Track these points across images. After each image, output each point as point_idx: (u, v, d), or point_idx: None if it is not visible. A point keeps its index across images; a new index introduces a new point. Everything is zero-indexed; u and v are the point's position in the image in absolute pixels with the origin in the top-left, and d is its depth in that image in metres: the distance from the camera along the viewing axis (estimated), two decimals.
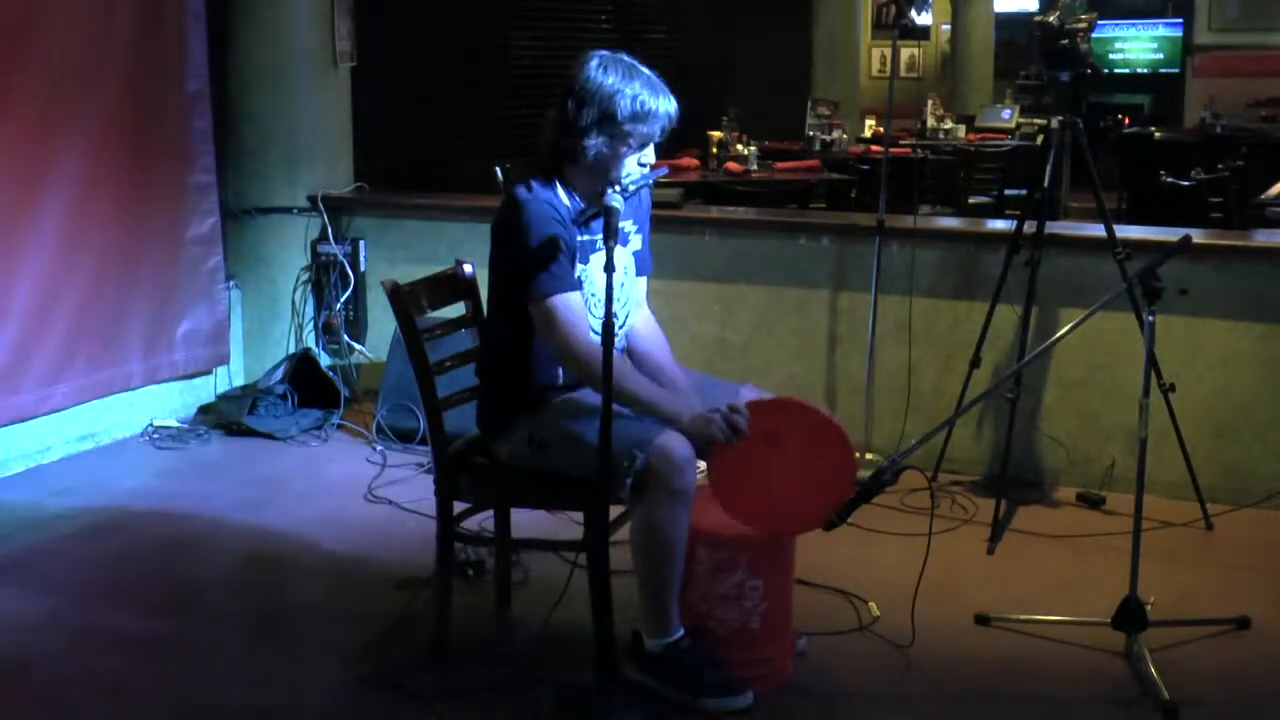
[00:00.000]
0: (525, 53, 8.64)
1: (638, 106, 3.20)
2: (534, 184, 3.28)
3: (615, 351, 3.07)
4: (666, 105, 3.25)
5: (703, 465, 3.29)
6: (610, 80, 3.21)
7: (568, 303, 3.23)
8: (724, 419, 3.16)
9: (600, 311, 3.10)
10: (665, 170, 3.47)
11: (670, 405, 3.23)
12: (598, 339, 3.11)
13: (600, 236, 3.26)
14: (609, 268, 3.00)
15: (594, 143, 3.22)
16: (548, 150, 3.31)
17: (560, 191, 3.29)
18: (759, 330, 5.33)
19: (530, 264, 3.22)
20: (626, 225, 3.43)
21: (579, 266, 3.30)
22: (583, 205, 3.32)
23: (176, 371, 5.59)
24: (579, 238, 3.30)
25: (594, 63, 3.24)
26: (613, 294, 3.00)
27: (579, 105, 3.22)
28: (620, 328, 3.41)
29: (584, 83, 3.22)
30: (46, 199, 4.93)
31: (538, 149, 3.36)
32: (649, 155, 3.30)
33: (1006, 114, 11.33)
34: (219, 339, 5.75)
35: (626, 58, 3.28)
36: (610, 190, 3.15)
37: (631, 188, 3.25)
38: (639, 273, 3.52)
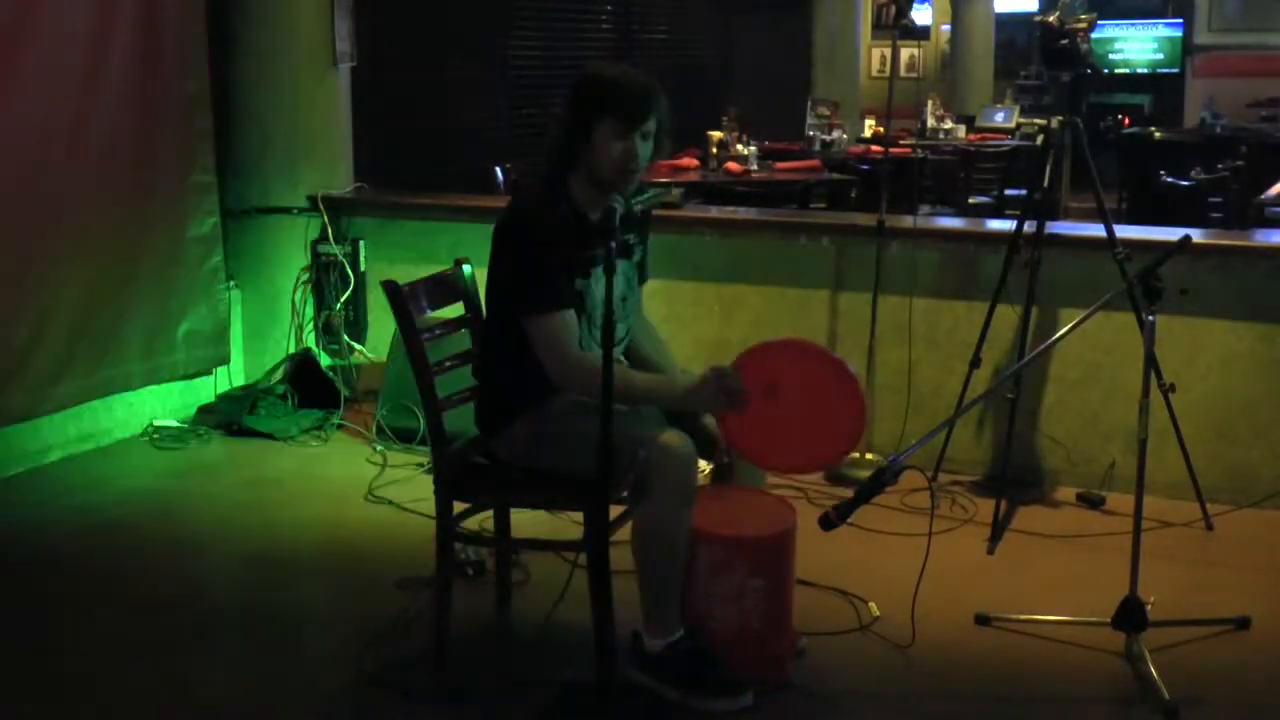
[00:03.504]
0: (525, 53, 8.65)
1: (598, 84, 3.25)
2: (537, 196, 3.29)
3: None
4: (634, 84, 3.26)
5: (704, 465, 3.30)
6: (585, 74, 3.32)
7: (563, 320, 3.23)
8: (716, 385, 3.19)
9: (601, 323, 3.10)
10: (668, 192, 3.52)
11: (666, 388, 3.30)
12: (592, 355, 3.14)
13: (601, 250, 3.26)
14: (609, 270, 3.01)
15: (569, 130, 3.26)
16: (548, 157, 3.34)
17: (563, 204, 3.29)
18: (759, 330, 5.31)
19: (528, 278, 3.22)
20: (628, 237, 3.43)
21: (579, 281, 3.30)
22: (585, 215, 3.32)
23: (176, 372, 5.59)
24: (580, 252, 3.30)
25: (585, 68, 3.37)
26: (613, 298, 3.00)
27: (563, 105, 3.32)
28: (621, 339, 3.41)
29: (571, 86, 3.33)
30: (47, 199, 4.93)
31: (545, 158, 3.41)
32: (637, 145, 3.26)
33: (1000, 115, 11.33)
34: (219, 339, 5.75)
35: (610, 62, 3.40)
36: (613, 195, 3.17)
37: (638, 207, 3.27)
38: (639, 281, 3.54)
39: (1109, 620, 3.47)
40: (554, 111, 3.35)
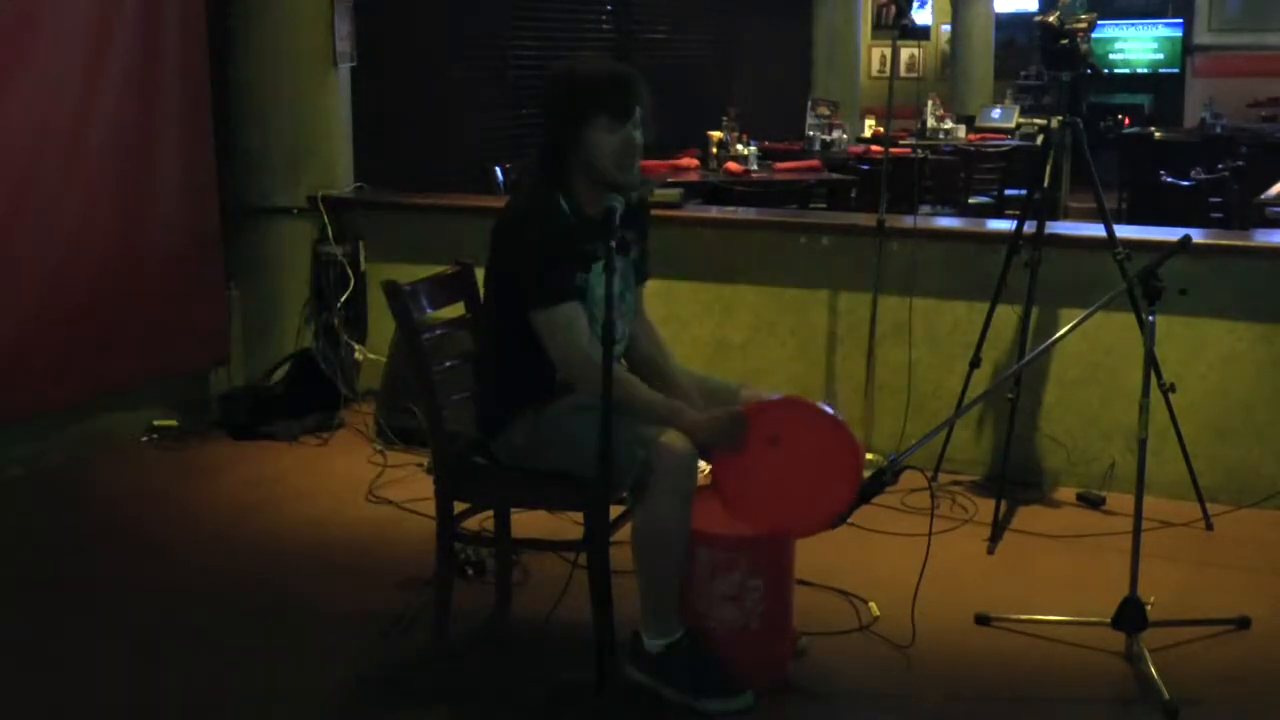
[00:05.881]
0: (525, 53, 8.65)
1: (579, 85, 3.26)
2: (536, 193, 3.30)
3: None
4: (615, 77, 3.28)
5: (704, 465, 3.29)
6: (557, 73, 3.34)
7: (568, 313, 3.24)
8: (724, 426, 3.17)
9: (600, 321, 3.10)
10: (661, 182, 3.52)
11: (670, 412, 3.24)
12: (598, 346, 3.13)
13: (600, 246, 3.26)
14: (609, 268, 3.01)
15: (563, 134, 3.26)
16: (541, 164, 3.36)
17: (562, 200, 3.30)
18: (759, 330, 5.33)
19: (531, 274, 3.23)
20: (625, 234, 3.43)
21: (580, 275, 3.30)
22: (584, 212, 3.32)
23: (177, 371, 5.59)
24: (580, 246, 3.30)
25: (555, 68, 3.39)
26: (613, 297, 3.00)
27: (544, 108, 3.37)
28: (621, 337, 3.41)
29: (546, 88, 3.38)
30: (47, 198, 4.93)
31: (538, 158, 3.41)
32: (633, 134, 3.27)
33: (996, 114, 11.33)
34: (219, 339, 5.75)
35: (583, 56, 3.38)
36: (611, 193, 3.17)
37: (635, 197, 3.27)
38: (637, 280, 3.53)
39: (1109, 620, 3.47)
40: (542, 119, 3.39)
